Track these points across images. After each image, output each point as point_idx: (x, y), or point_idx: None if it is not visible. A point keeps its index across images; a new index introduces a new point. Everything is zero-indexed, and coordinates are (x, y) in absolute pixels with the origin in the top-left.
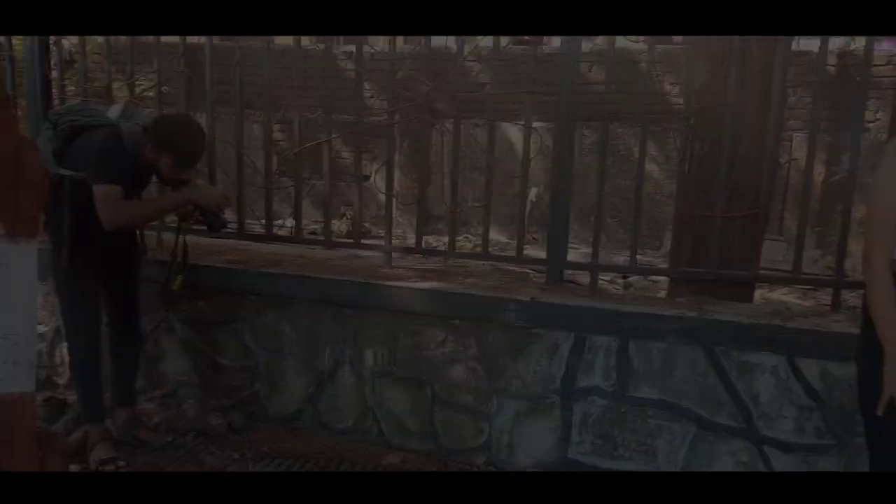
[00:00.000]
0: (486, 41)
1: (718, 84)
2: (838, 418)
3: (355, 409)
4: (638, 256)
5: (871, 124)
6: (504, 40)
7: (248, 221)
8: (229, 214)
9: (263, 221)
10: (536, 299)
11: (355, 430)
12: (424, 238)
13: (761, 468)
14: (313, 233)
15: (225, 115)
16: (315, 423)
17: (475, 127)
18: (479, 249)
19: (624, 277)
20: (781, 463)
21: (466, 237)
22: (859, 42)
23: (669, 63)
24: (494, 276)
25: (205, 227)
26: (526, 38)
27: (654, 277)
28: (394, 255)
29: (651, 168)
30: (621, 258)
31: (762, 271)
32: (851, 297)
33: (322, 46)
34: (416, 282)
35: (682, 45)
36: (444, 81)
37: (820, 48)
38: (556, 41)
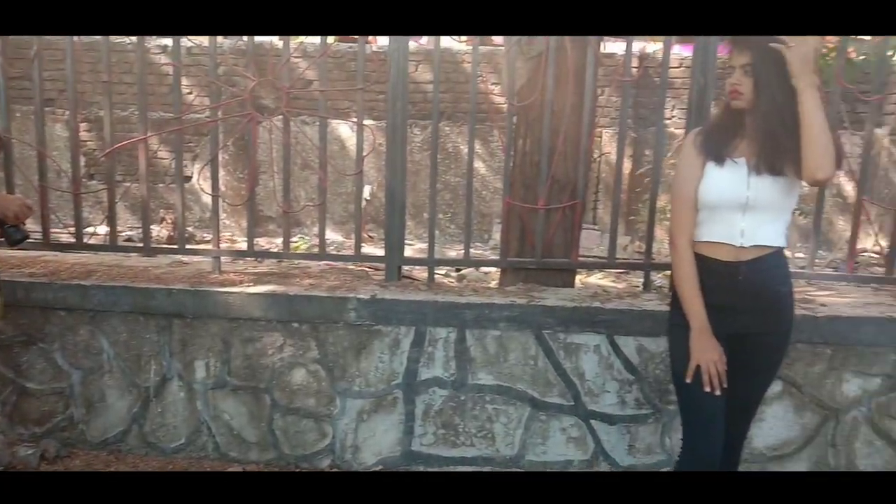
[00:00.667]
0: (312, 37)
1: (537, 83)
2: (654, 389)
3: (187, 424)
4: (469, 249)
5: (668, 121)
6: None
7: (54, 230)
8: (31, 224)
9: (73, 229)
10: (377, 296)
11: (188, 447)
12: (256, 241)
13: (589, 441)
14: (129, 240)
15: (22, 113)
16: (142, 444)
17: (304, 125)
18: (315, 250)
19: (457, 270)
20: (607, 435)
21: (301, 238)
22: (656, 45)
23: (492, 63)
24: (332, 276)
25: (2, 240)
26: (352, 35)
27: (485, 269)
28: (223, 259)
29: (478, 165)
30: (454, 252)
31: (581, 258)
32: (658, 278)
33: (134, 39)
34: (249, 286)
35: (503, 46)
36: (270, 77)
37: (626, 50)
38: (383, 40)
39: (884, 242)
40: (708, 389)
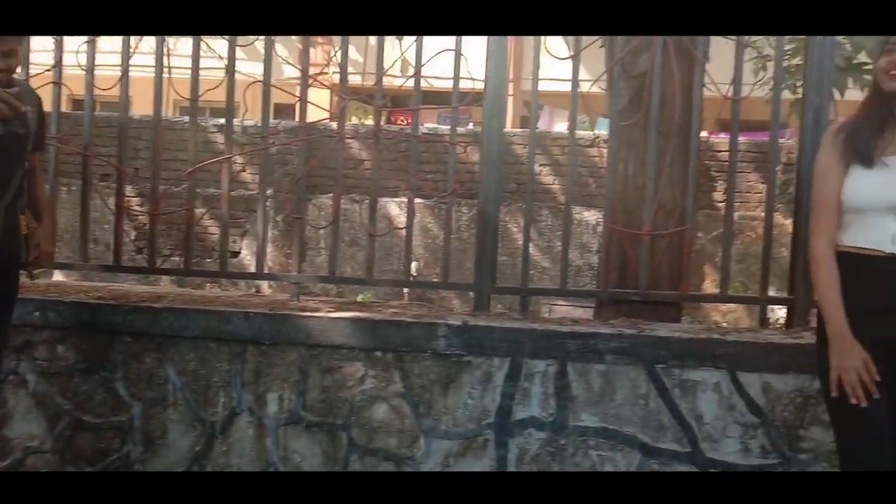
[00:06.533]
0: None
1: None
2: (782, 434)
3: (254, 466)
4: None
5: None
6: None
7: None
8: None
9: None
10: (469, 323)
11: None
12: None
13: None
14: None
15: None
16: None
17: (353, 202)
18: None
19: None
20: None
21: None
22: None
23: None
24: (415, 307)
25: None
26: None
27: None
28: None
29: None
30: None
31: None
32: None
33: (188, 119)
34: (331, 311)
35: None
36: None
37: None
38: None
39: None
40: (854, 402)
